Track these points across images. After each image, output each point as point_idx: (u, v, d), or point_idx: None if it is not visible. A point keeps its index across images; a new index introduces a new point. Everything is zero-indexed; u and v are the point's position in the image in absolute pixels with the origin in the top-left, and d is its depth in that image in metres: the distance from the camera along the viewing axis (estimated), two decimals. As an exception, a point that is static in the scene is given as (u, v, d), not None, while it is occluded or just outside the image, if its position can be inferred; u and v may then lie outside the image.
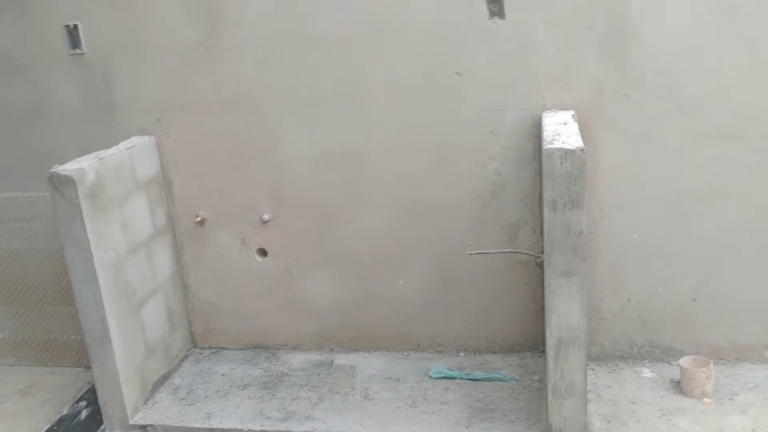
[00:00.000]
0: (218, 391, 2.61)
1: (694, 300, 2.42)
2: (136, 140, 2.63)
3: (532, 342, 2.65)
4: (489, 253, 2.46)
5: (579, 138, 2.01)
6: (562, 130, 2.10)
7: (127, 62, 2.61)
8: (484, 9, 2.31)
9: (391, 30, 2.39)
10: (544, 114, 2.34)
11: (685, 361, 2.34)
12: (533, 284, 2.57)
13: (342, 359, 2.75)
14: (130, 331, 2.48)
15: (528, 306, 2.60)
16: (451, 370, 2.58)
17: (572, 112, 2.33)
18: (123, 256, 2.46)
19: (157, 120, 2.66)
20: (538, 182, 2.44)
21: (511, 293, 2.60)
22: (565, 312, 2.04)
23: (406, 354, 2.74)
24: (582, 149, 1.90)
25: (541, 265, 2.46)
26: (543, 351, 2.57)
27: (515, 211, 2.50)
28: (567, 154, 1.91)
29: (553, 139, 2.00)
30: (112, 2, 2.56)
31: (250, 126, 2.60)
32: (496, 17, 2.32)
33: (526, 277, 2.57)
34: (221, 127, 2.62)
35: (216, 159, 2.66)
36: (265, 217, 2.69)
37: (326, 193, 2.62)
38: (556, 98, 2.36)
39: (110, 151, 2.50)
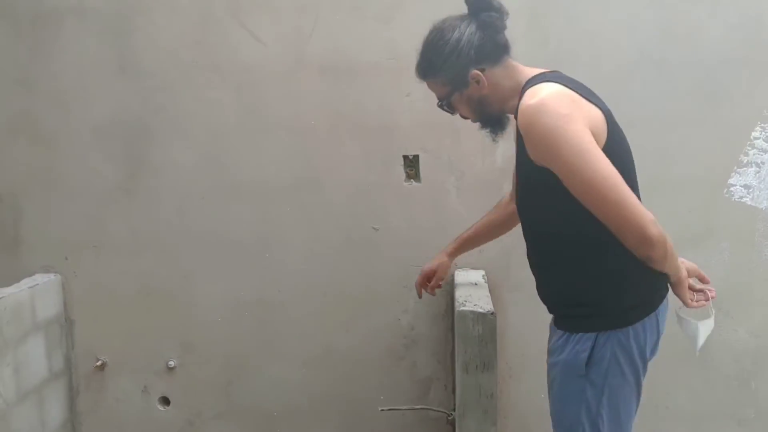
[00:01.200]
0: None
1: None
2: (39, 278, 2.53)
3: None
4: (401, 409, 2.45)
5: (489, 300, 2.09)
6: (473, 292, 2.18)
7: (39, 199, 2.56)
8: (401, 172, 2.45)
9: (314, 187, 2.47)
10: (456, 272, 2.44)
11: None
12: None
13: None
14: (7, 489, 2.25)
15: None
16: None
17: (482, 272, 2.44)
18: (12, 403, 2.27)
19: (66, 258, 2.57)
20: (450, 338, 2.49)
21: (421, 451, 2.56)
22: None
23: None
24: (493, 313, 1.97)
25: (452, 423, 2.46)
26: None
27: (428, 366, 2.52)
28: (479, 317, 1.97)
29: (466, 301, 2.07)
30: (29, 138, 2.54)
31: (162, 269, 2.55)
32: (412, 180, 2.46)
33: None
34: (133, 269, 2.56)
35: (124, 301, 2.58)
36: (171, 363, 2.58)
37: (237, 341, 2.56)
38: (467, 257, 2.46)
39: (10, 289, 2.39)
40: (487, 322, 1.98)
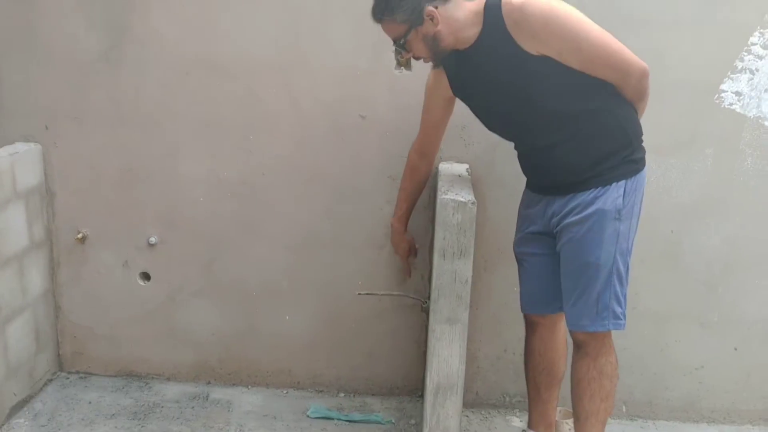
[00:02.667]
0: (83, 419, 2.46)
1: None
2: (20, 147, 2.49)
3: (412, 387, 2.69)
4: (378, 294, 2.51)
5: (471, 191, 2.10)
6: (456, 182, 2.19)
7: (19, 63, 2.48)
8: (392, 58, 2.40)
9: (301, 67, 2.42)
10: (440, 164, 2.44)
11: (552, 412, 2.45)
12: (418, 329, 2.62)
13: (218, 393, 2.67)
14: (-11, 349, 2.31)
15: (411, 350, 2.65)
16: (329, 410, 2.57)
17: (467, 165, 2.44)
18: (-8, 268, 2.30)
19: (46, 128, 2.53)
20: (430, 230, 2.52)
21: (395, 337, 2.64)
22: (445, 358, 2.10)
23: (285, 391, 2.70)
24: (473, 202, 1.99)
25: (426, 311, 2.52)
26: (422, 396, 2.62)
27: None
28: (459, 205, 1.99)
29: (448, 191, 2.08)
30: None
31: (145, 144, 2.52)
32: (402, 67, 2.41)
33: (411, 322, 2.62)
34: (115, 142, 2.53)
35: (105, 175, 2.56)
36: (152, 240, 2.60)
37: (219, 220, 2.58)
38: (452, 151, 2.46)
39: (-10, 155, 2.36)
40: (466, 210, 1.99)
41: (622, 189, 1.90)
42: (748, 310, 2.53)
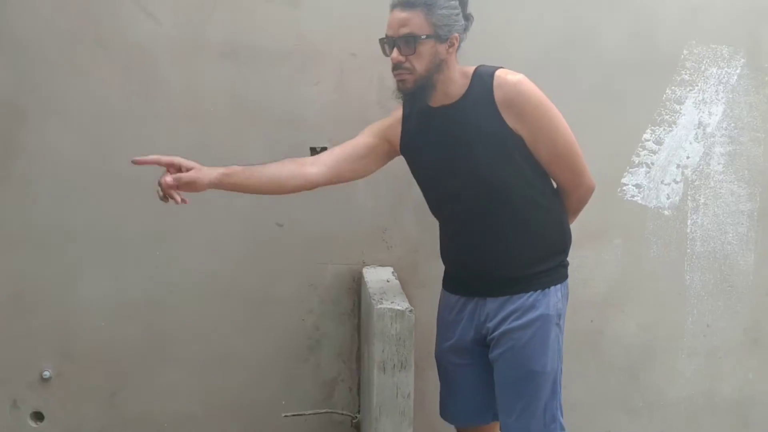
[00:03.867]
0: None
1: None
2: None
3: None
4: (305, 414, 2.34)
5: (405, 298, 2.03)
6: (387, 289, 2.12)
7: None
8: (308, 164, 2.33)
9: (212, 176, 2.30)
10: (364, 269, 2.36)
11: None
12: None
13: None
14: None
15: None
16: None
17: (391, 269, 2.38)
18: None
19: None
20: (356, 338, 2.41)
21: (324, 456, 2.46)
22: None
23: None
24: (411, 310, 1.91)
25: (357, 426, 2.38)
26: None
27: (332, 367, 2.42)
28: (397, 314, 1.91)
29: (381, 299, 2.00)
30: None
31: (37, 268, 2.27)
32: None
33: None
34: (2, 267, 2.26)
35: (-10, 305, 2.27)
36: (46, 374, 2.30)
37: (123, 346, 2.33)
38: (375, 254, 2.40)
39: None
40: (405, 319, 1.91)
41: (560, 293, 1.90)
42: (669, 393, 2.59)
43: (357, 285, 2.39)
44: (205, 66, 2.26)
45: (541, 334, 1.85)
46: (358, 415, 2.38)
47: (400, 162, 2.32)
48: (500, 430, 1.97)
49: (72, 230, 2.27)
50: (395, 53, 1.79)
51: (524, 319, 1.85)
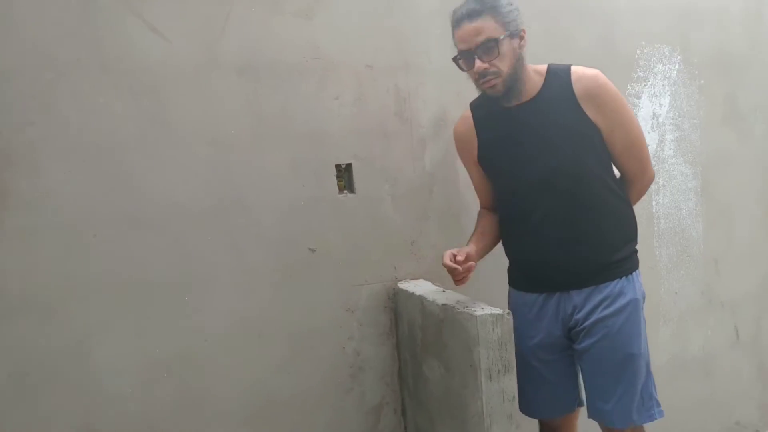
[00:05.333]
0: None
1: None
2: None
3: None
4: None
5: (484, 303, 2.01)
6: (452, 296, 2.08)
7: None
8: (334, 183, 2.22)
9: (239, 208, 2.09)
10: (400, 284, 2.30)
11: None
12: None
13: None
14: None
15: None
16: None
17: (429, 283, 2.33)
18: None
19: None
20: (396, 356, 2.33)
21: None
22: (507, 487, 1.93)
23: None
24: (509, 312, 1.90)
25: (406, 447, 2.30)
26: None
27: (377, 392, 2.31)
28: (497, 318, 1.88)
29: (466, 305, 1.96)
30: None
31: (44, 337, 1.88)
32: (346, 191, 2.25)
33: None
34: (6, 341, 1.83)
35: (-11, 389, 1.83)
36: (65, 463, 1.91)
37: (155, 412, 2.01)
38: (406, 268, 2.34)
39: None
40: (504, 322, 1.90)
41: (640, 278, 2.02)
42: (655, 361, 2.85)
43: (392, 302, 2.32)
44: (222, 85, 2.05)
45: (633, 319, 1.95)
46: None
47: (420, 171, 2.32)
48: (595, 416, 2.03)
49: (84, 286, 1.92)
50: (478, 63, 1.83)
51: (615, 306, 1.94)
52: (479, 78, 1.85)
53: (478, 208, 2.26)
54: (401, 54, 2.30)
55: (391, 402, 2.34)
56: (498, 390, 1.90)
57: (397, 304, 2.31)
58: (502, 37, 1.82)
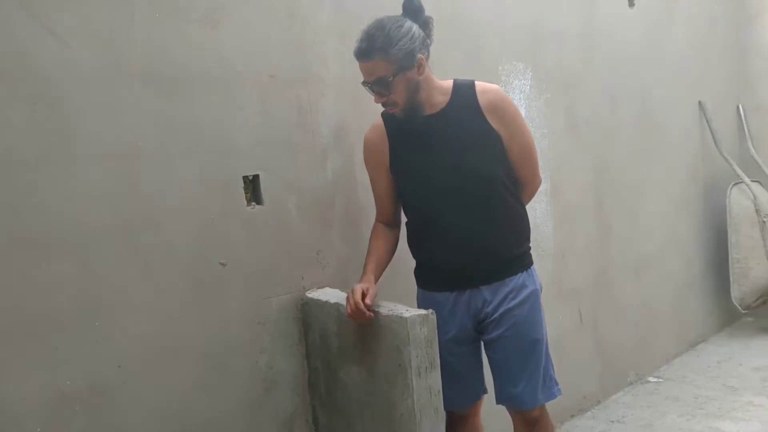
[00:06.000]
0: None
1: None
2: None
3: None
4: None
5: (396, 303, 2.10)
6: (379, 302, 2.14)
7: None
8: (242, 196, 2.18)
9: (148, 225, 1.98)
10: (309, 293, 2.31)
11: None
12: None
13: None
14: None
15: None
16: None
17: (328, 288, 2.37)
18: None
19: None
20: (306, 366, 2.34)
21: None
22: (436, 479, 2.03)
23: None
24: (432, 312, 2.02)
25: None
26: None
27: (290, 404, 2.30)
28: (424, 318, 1.99)
29: (389, 309, 2.04)
30: None
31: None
32: (254, 203, 2.22)
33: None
34: None
35: None
36: None
37: (67, 450, 1.84)
38: (313, 277, 2.36)
39: None
40: (430, 321, 2.01)
41: (536, 271, 2.25)
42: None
43: (301, 313, 2.33)
44: (126, 93, 1.93)
45: (535, 307, 2.19)
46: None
47: (324, 181, 2.36)
48: (504, 401, 2.22)
49: (-19, 318, 1.70)
50: (375, 96, 2.02)
51: (520, 297, 2.16)
52: (382, 104, 2.05)
53: (374, 222, 2.33)
54: (303, 65, 2.32)
55: (303, 413, 2.34)
56: (426, 386, 2.01)
57: (305, 314, 2.33)
58: (392, 77, 1.97)
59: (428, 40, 2.04)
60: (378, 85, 1.98)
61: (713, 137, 4.47)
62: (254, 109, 2.21)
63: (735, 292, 4.37)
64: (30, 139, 1.77)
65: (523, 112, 3.07)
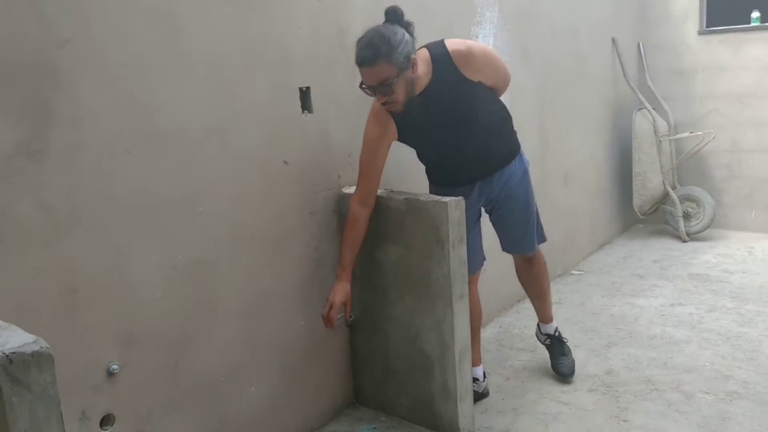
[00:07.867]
0: None
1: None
2: None
3: (348, 398, 2.91)
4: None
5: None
6: (401, 193, 2.62)
7: None
8: (298, 104, 2.56)
9: (235, 127, 2.33)
10: (343, 189, 2.75)
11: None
12: (344, 345, 2.86)
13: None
14: None
15: (341, 365, 2.87)
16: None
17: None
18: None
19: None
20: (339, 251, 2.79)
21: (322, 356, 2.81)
22: (462, 328, 2.59)
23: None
24: (462, 198, 2.53)
25: (349, 325, 2.84)
26: (356, 402, 2.91)
27: (332, 280, 2.75)
28: (458, 204, 2.50)
29: (427, 197, 2.54)
30: None
31: (90, 254, 1.96)
32: (306, 111, 2.60)
33: (336, 341, 2.84)
34: (52, 263, 1.87)
35: (42, 308, 1.86)
36: (114, 368, 2.03)
37: (179, 314, 2.21)
38: (345, 177, 2.79)
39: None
40: (461, 205, 2.53)
41: (524, 153, 2.83)
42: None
43: (338, 206, 2.76)
44: (216, 7, 2.24)
45: (527, 182, 2.81)
46: (351, 316, 2.79)
47: (356, 94, 2.73)
48: (511, 249, 2.94)
49: (120, 202, 2.02)
50: (379, 97, 2.38)
51: (517, 179, 2.76)
52: (383, 103, 2.40)
53: (351, 204, 2.60)
54: (341, -9, 2.69)
55: (338, 288, 2.81)
56: (457, 256, 2.54)
57: (341, 206, 2.77)
58: (395, 79, 2.28)
59: (414, 42, 2.36)
60: (382, 88, 2.29)
61: (623, 69, 5.22)
62: (308, 31, 2.56)
63: (636, 200, 5.23)
64: (149, 45, 2.07)
65: (491, 40, 3.60)
